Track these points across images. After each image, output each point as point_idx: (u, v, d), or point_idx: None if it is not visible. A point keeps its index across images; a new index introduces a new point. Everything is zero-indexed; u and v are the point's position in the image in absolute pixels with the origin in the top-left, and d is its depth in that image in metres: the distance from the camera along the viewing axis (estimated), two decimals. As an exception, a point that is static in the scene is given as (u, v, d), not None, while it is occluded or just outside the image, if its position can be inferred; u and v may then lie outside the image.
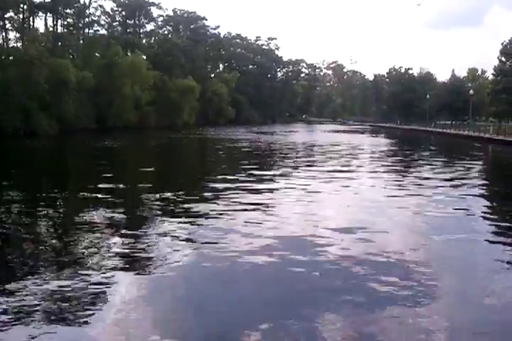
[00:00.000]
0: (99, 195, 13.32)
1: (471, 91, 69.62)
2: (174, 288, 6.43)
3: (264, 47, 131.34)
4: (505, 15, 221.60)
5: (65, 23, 70.90)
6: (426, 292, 6.24)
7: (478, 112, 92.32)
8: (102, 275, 6.71)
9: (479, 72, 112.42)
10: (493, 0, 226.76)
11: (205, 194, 13.75)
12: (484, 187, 17.03)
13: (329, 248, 8.12)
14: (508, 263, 7.65)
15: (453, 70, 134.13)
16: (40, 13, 65.71)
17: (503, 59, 70.76)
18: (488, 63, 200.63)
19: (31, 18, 65.03)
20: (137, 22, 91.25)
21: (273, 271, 7.08)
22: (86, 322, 5.33)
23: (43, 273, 6.84)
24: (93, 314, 5.52)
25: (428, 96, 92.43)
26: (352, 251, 7.99)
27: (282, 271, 7.05)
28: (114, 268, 6.99)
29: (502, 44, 70.72)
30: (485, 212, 11.93)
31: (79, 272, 6.80)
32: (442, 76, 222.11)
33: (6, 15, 59.82)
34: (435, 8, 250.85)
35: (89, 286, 6.29)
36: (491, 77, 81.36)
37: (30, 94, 47.02)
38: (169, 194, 13.37)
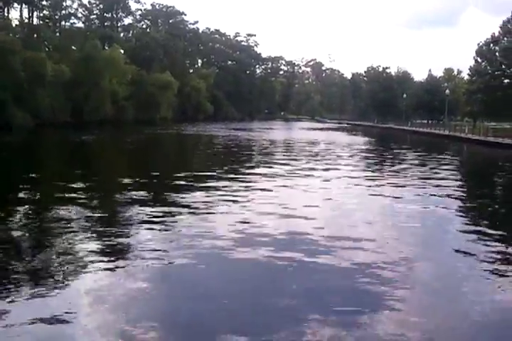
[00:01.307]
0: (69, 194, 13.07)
1: (447, 91, 70.35)
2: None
3: (243, 43, 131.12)
4: (480, 16, 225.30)
5: (41, 15, 69.86)
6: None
7: (454, 112, 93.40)
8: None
9: (455, 72, 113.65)
10: (468, 1, 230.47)
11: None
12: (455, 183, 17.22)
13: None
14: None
15: (429, 70, 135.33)
16: (16, 4, 64.57)
17: (479, 59, 71.60)
18: (463, 63, 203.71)
19: (6, 9, 63.92)
20: (115, 15, 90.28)
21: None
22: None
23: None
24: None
25: (405, 95, 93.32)
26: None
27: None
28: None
29: (478, 44, 71.57)
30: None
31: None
32: (419, 75, 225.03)
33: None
34: (412, 8, 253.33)
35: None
36: (466, 77, 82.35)
37: (4, 86, 46.13)
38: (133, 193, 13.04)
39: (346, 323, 5.24)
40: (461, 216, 11.41)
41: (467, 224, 10.41)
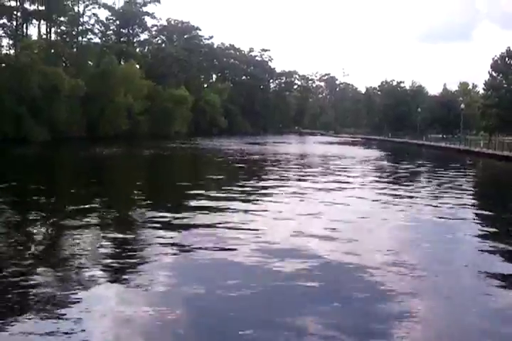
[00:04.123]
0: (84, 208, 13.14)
1: (462, 105, 70.03)
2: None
3: (257, 58, 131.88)
4: (494, 29, 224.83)
5: (59, 30, 70.94)
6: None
7: (469, 126, 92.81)
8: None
9: (470, 86, 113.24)
10: (483, 15, 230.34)
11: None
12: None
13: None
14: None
15: (444, 84, 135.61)
16: (34, 21, 65.73)
17: (494, 74, 71.30)
18: (478, 77, 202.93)
19: (25, 25, 65.08)
20: (131, 31, 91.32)
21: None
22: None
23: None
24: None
25: (419, 109, 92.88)
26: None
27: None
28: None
29: (493, 59, 71.30)
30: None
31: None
32: (434, 89, 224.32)
33: (-1, 22, 59.87)
34: (426, 22, 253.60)
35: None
36: (481, 91, 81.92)
37: (22, 101, 46.83)
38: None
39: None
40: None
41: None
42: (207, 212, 12.29)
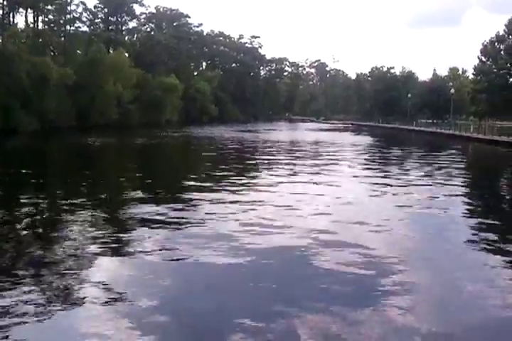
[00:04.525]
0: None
1: (452, 90, 70.26)
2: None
3: (247, 45, 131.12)
4: (484, 14, 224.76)
5: (46, 19, 70.17)
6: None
7: (459, 111, 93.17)
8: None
9: (460, 72, 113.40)
10: (472, 0, 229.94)
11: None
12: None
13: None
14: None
15: (434, 69, 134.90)
16: (21, 9, 64.96)
17: (484, 58, 71.43)
18: (468, 62, 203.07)
19: (11, 14, 64.32)
20: (119, 19, 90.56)
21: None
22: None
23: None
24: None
25: (409, 95, 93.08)
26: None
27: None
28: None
29: (482, 44, 71.37)
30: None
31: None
32: (424, 75, 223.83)
33: (-15, 11, 59.10)
34: (415, 7, 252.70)
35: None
36: (471, 76, 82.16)
37: (11, 91, 46.42)
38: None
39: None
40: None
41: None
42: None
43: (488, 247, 8.45)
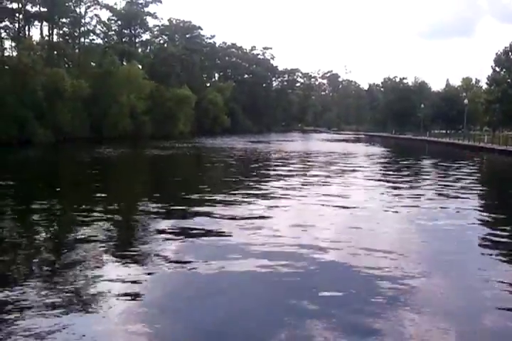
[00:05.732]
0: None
1: (466, 101, 69.90)
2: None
3: (259, 56, 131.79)
4: (496, 25, 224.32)
5: (61, 32, 70.95)
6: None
7: (473, 121, 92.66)
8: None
9: (473, 82, 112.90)
10: (484, 10, 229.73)
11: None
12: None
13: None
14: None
15: (447, 80, 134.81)
16: (36, 22, 65.76)
17: (497, 68, 71.10)
18: (481, 73, 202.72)
19: (27, 27, 65.07)
20: (133, 31, 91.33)
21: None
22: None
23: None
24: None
25: (422, 105, 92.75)
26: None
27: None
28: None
29: (496, 54, 71.12)
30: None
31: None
32: (437, 85, 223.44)
33: (1, 24, 59.89)
34: (428, 18, 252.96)
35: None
36: (484, 86, 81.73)
37: (25, 103, 46.87)
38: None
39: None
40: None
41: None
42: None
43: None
